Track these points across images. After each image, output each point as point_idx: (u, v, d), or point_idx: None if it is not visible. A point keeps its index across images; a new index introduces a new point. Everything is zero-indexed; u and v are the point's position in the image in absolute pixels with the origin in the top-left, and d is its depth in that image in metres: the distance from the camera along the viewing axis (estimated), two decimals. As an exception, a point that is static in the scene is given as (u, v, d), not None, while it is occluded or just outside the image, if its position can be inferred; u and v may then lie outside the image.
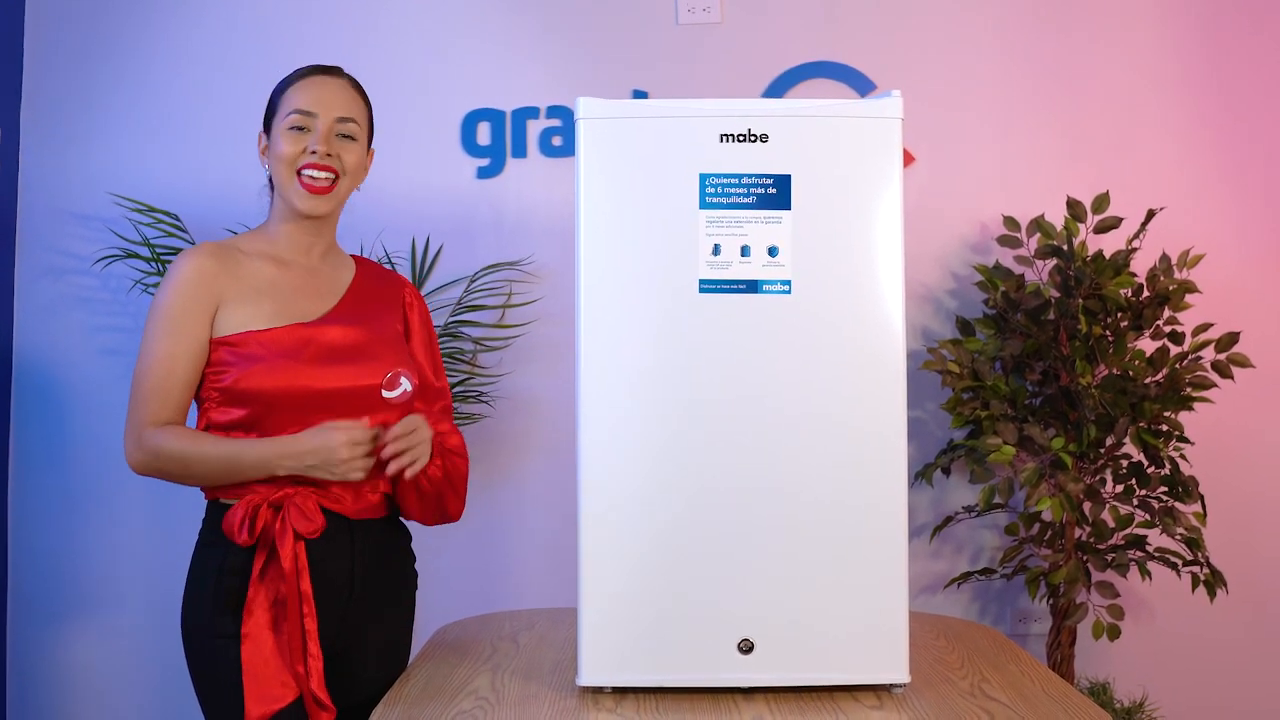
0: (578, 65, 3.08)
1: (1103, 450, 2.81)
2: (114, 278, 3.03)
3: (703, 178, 1.67)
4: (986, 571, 2.93)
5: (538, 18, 3.10)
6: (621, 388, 1.67)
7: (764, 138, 1.68)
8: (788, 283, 1.67)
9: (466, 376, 2.98)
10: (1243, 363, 2.79)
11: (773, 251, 1.67)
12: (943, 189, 3.04)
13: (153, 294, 2.91)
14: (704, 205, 1.67)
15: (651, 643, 1.66)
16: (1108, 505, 2.79)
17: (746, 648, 1.66)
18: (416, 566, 1.96)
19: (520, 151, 3.08)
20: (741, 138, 1.68)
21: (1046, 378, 2.84)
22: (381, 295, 1.90)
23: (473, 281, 3.00)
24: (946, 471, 2.98)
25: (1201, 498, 2.76)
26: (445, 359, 2.92)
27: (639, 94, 3.03)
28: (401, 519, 1.93)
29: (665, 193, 1.67)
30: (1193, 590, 2.80)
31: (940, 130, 3.04)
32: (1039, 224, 2.88)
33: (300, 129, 1.79)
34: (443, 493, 1.85)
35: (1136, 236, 2.84)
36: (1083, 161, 3.06)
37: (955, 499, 3.05)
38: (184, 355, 1.73)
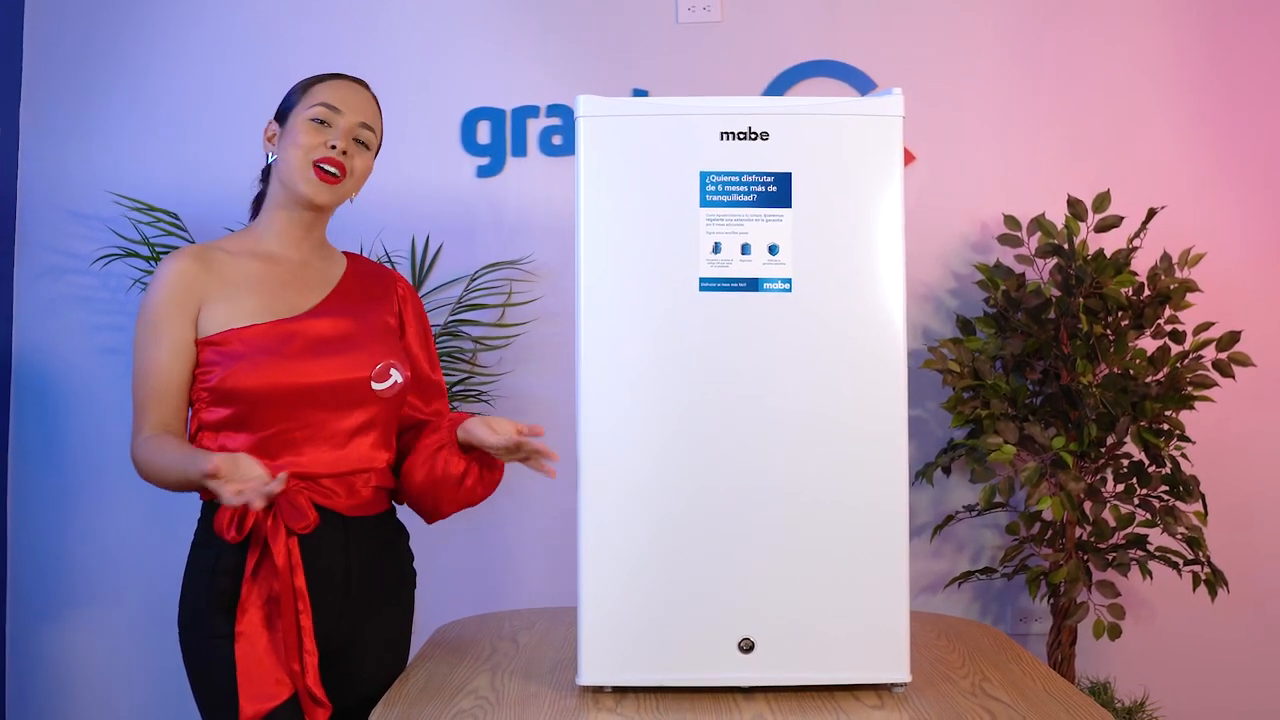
0: (578, 64, 3.08)
1: (1103, 449, 2.80)
2: (113, 277, 3.03)
3: (703, 176, 1.67)
4: (987, 571, 2.93)
5: (538, 16, 3.10)
6: (621, 386, 1.67)
7: (764, 136, 1.67)
8: (788, 281, 1.67)
9: (466, 376, 2.98)
10: (1244, 361, 2.78)
11: (773, 250, 1.67)
12: (943, 188, 3.04)
13: (152, 293, 2.92)
14: (704, 203, 1.67)
15: (652, 642, 1.66)
16: (1108, 504, 2.79)
17: (747, 647, 1.66)
18: (416, 565, 1.96)
19: (520, 150, 3.08)
20: (742, 136, 1.67)
21: (1047, 377, 2.84)
22: (373, 289, 1.90)
23: (472, 281, 3.00)
24: (947, 471, 2.98)
25: (1203, 497, 2.76)
26: (445, 358, 2.93)
27: (639, 93, 3.03)
28: (400, 515, 1.93)
29: (666, 191, 1.67)
30: (1194, 590, 2.80)
31: (941, 129, 3.03)
32: (1040, 223, 2.87)
33: (323, 122, 1.80)
34: (438, 494, 1.85)
35: (1137, 235, 2.84)
36: (1083, 160, 3.06)
37: (956, 498, 3.05)
38: (169, 359, 1.74)
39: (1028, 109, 3.07)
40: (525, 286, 3.05)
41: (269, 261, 1.82)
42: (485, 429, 1.77)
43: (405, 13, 3.10)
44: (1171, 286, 2.79)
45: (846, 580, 1.67)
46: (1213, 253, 2.93)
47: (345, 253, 1.95)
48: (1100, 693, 2.84)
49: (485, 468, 1.84)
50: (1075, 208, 2.86)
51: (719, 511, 1.66)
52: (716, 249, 1.67)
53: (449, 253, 3.05)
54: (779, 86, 3.06)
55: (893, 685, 1.69)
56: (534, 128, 3.08)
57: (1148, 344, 2.88)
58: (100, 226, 3.03)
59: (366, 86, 1.89)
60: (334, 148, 1.80)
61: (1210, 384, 2.76)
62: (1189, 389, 2.76)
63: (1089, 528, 2.79)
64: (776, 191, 1.67)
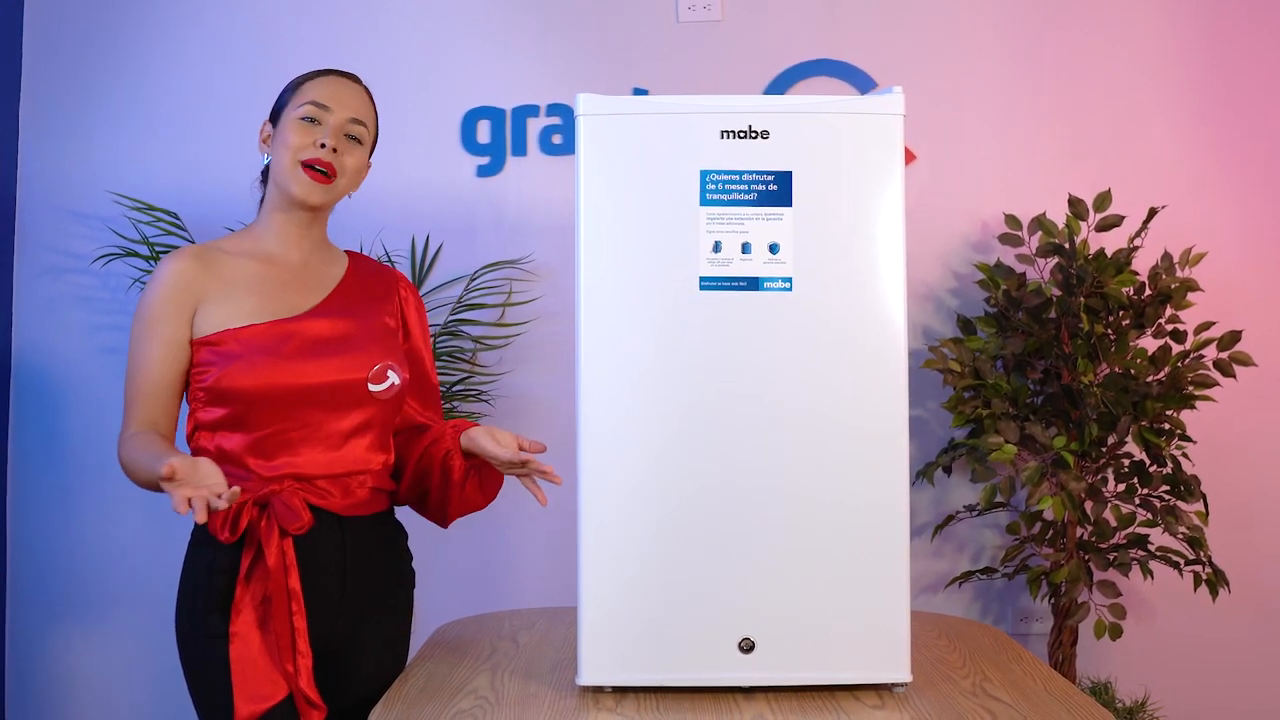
0: (578, 63, 3.08)
1: (1104, 449, 2.80)
2: (113, 276, 3.03)
3: (703, 174, 1.67)
4: (988, 571, 2.93)
5: (538, 16, 3.09)
6: (622, 386, 1.66)
7: (765, 134, 1.67)
8: (789, 280, 1.67)
9: (466, 375, 2.97)
10: (1245, 361, 2.78)
11: (774, 249, 1.67)
12: (944, 187, 3.03)
13: (151, 293, 2.92)
14: (705, 202, 1.67)
15: (652, 642, 1.65)
16: (1109, 504, 2.78)
17: (747, 647, 1.66)
18: (415, 565, 1.95)
19: (520, 150, 3.08)
20: (742, 134, 1.67)
21: (1048, 376, 2.84)
22: (374, 290, 1.90)
23: (472, 280, 3.00)
24: (948, 470, 2.97)
25: (1204, 496, 2.75)
26: (445, 358, 2.92)
27: (639, 92, 3.03)
28: (400, 515, 1.93)
29: (666, 189, 1.67)
30: (1195, 589, 2.79)
31: (941, 128, 3.03)
32: (1040, 222, 2.87)
33: (312, 121, 1.79)
34: (445, 497, 1.86)
35: (1138, 235, 2.84)
36: (1084, 159, 3.05)
37: (956, 498, 3.05)
38: (162, 359, 1.73)
39: (1028, 108, 3.07)
40: (525, 286, 3.05)
41: (268, 262, 1.81)
42: (490, 440, 1.77)
43: (405, 12, 3.09)
44: (1172, 286, 2.78)
45: (847, 580, 1.66)
46: (1213, 252, 2.93)
47: (348, 252, 1.94)
48: (1101, 693, 2.83)
49: (485, 477, 1.85)
50: (1076, 207, 2.86)
51: (719, 511, 1.66)
52: (717, 248, 1.67)
53: (449, 252, 3.05)
54: (779, 85, 3.06)
55: (893, 685, 1.69)
56: (534, 127, 3.07)
57: (1149, 343, 2.88)
58: (100, 226, 3.03)
59: (358, 80, 1.88)
60: (323, 146, 1.78)
61: (1211, 383, 2.76)
62: (1190, 388, 2.76)
63: (1090, 527, 2.79)
64: (777, 190, 1.67)
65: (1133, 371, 2.76)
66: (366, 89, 1.89)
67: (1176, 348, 2.83)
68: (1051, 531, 2.84)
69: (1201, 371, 2.76)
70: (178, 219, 2.91)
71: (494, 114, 3.08)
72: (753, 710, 1.60)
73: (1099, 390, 2.70)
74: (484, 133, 3.08)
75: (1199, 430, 2.90)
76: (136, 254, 2.89)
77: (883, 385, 1.67)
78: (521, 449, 1.75)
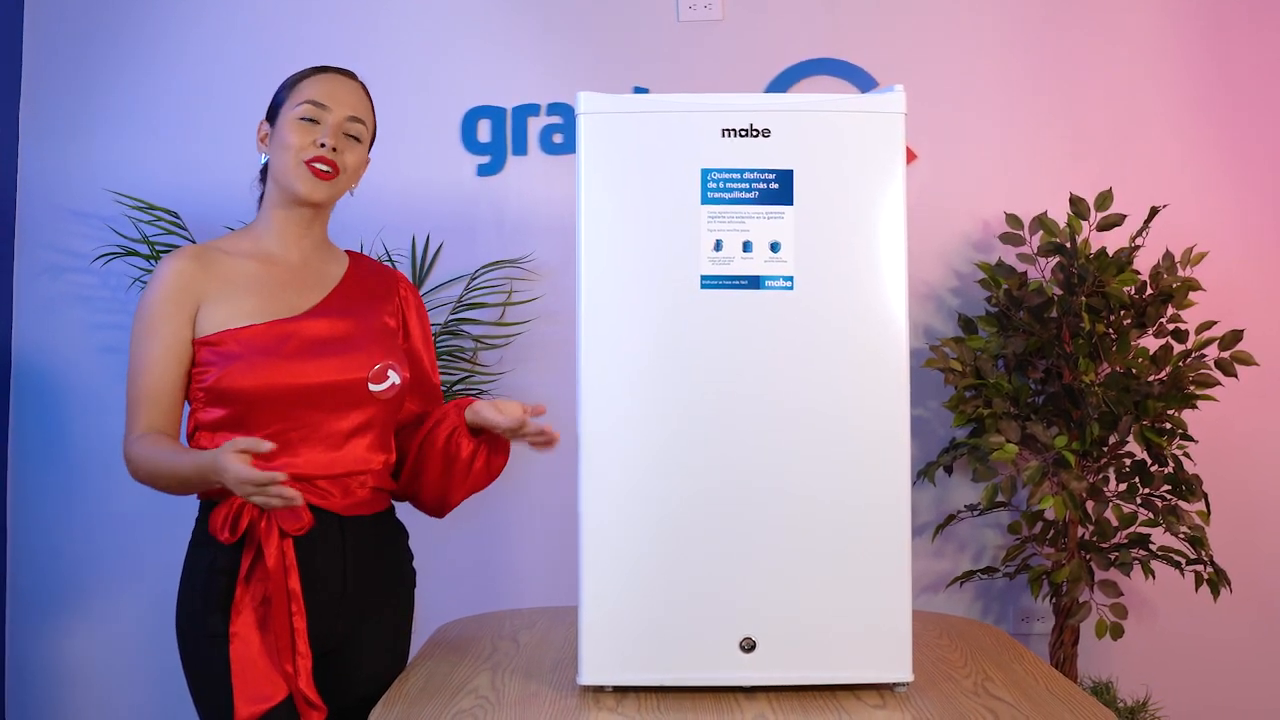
0: (578, 62, 3.07)
1: (1106, 448, 2.79)
2: (113, 275, 3.02)
3: (704, 173, 1.66)
4: (989, 570, 2.92)
5: (538, 15, 3.09)
6: (622, 385, 1.66)
7: (766, 133, 1.67)
8: (790, 279, 1.66)
9: (467, 375, 2.97)
10: (1246, 360, 2.78)
11: (775, 247, 1.66)
12: (945, 186, 3.03)
13: (152, 292, 2.92)
14: (706, 201, 1.67)
15: (653, 642, 1.65)
16: (1111, 504, 2.78)
17: (748, 646, 1.65)
18: (416, 565, 1.95)
19: (521, 149, 3.07)
20: (743, 133, 1.67)
21: (1049, 376, 2.83)
22: (374, 289, 1.89)
23: (473, 279, 2.99)
24: (949, 470, 2.97)
25: (1205, 496, 2.75)
26: (445, 357, 2.92)
27: (640, 91, 3.02)
28: (400, 515, 1.92)
29: (667, 188, 1.67)
30: (1196, 589, 2.79)
31: (942, 127, 3.03)
32: (1042, 221, 2.87)
33: (311, 120, 1.79)
34: (450, 480, 1.85)
35: (1140, 234, 2.83)
36: (1085, 159, 3.05)
37: (957, 498, 3.04)
38: (165, 359, 1.73)
39: (1029, 107, 3.07)
40: (526, 285, 3.04)
41: (268, 261, 1.81)
42: (493, 410, 1.77)
43: (405, 11, 3.09)
44: (1174, 285, 2.78)
45: (848, 579, 1.66)
46: (1215, 251, 2.92)
47: (348, 251, 1.94)
48: (1102, 693, 2.83)
49: (493, 450, 1.84)
50: (1077, 206, 2.85)
51: (720, 510, 1.66)
52: (718, 247, 1.66)
53: (449, 252, 3.05)
54: (780, 85, 3.05)
55: (895, 685, 1.68)
56: (535, 126, 3.07)
57: (1150, 343, 2.88)
58: (100, 225, 3.02)
59: (354, 77, 1.87)
60: (324, 146, 1.78)
61: (1213, 383, 2.76)
62: (1191, 388, 2.76)
63: (1091, 527, 2.78)
64: (778, 189, 1.67)
65: (1134, 371, 2.76)
66: (363, 85, 1.88)
67: (1178, 347, 2.83)
68: (1053, 531, 2.84)
69: (1203, 371, 2.75)
70: (178, 218, 2.91)
71: (494, 113, 3.08)
72: (754, 710, 1.60)
73: (1100, 390, 2.69)
74: (484, 132, 3.08)
75: (1200, 430, 2.89)
76: (136, 253, 2.88)
77: (884, 384, 1.67)
78: (525, 412, 1.76)
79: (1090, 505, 2.78)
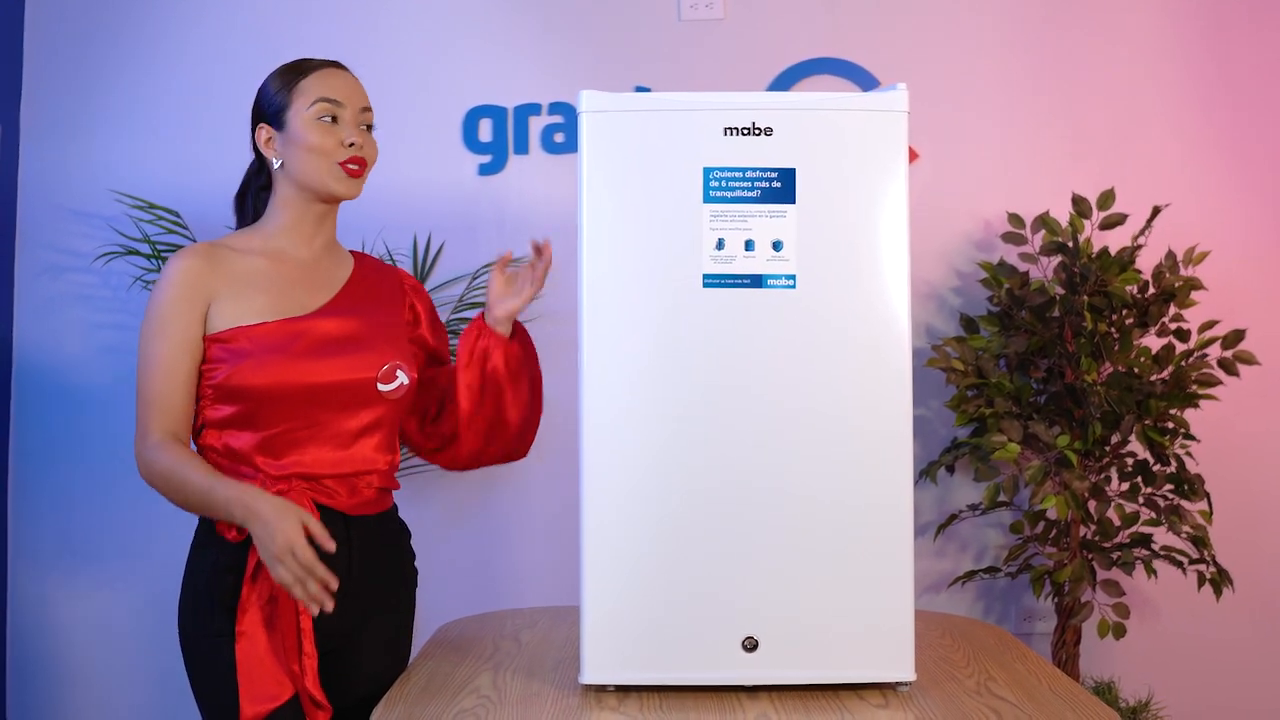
0: (580, 62, 3.07)
1: (1108, 448, 2.79)
2: (114, 275, 3.02)
3: (706, 171, 1.66)
4: (991, 570, 2.92)
5: (540, 14, 3.09)
6: (624, 384, 1.66)
7: (768, 131, 1.66)
8: (792, 277, 1.66)
9: (468, 374, 2.97)
10: (1249, 360, 2.77)
11: (777, 246, 1.66)
12: (947, 186, 3.03)
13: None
14: (708, 199, 1.66)
15: (655, 641, 1.65)
16: (1113, 503, 2.78)
17: (751, 646, 1.65)
18: (417, 564, 1.95)
19: (522, 148, 3.07)
20: (746, 131, 1.66)
21: (1051, 375, 2.83)
22: (381, 288, 1.89)
23: (474, 279, 2.99)
24: (951, 470, 2.97)
25: (1208, 495, 2.75)
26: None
27: (641, 90, 3.02)
28: (402, 515, 1.92)
29: (669, 187, 1.66)
30: (1199, 589, 2.79)
31: (944, 127, 3.03)
32: (1044, 220, 2.87)
33: (332, 119, 1.78)
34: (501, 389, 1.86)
35: (1142, 233, 2.83)
36: (1087, 158, 3.05)
37: (959, 497, 3.04)
38: (177, 357, 1.72)
39: (1031, 107, 3.07)
40: (527, 285, 3.04)
41: (278, 260, 1.81)
42: (505, 302, 1.86)
43: (406, 11, 3.09)
44: (1176, 284, 2.78)
45: (851, 579, 1.66)
46: (1217, 251, 2.92)
47: (352, 252, 1.94)
48: (1105, 692, 2.83)
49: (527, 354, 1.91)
50: (1080, 205, 2.85)
51: (722, 509, 1.65)
52: (720, 245, 1.66)
53: (451, 251, 3.05)
54: (782, 84, 3.05)
55: (897, 684, 1.68)
56: (536, 125, 3.07)
57: (1152, 342, 2.87)
58: (101, 224, 3.02)
59: (345, 68, 1.86)
60: (353, 145, 1.79)
61: (1215, 382, 2.76)
62: (1194, 387, 2.76)
63: (1093, 527, 2.78)
64: (780, 187, 1.66)
65: (1136, 370, 2.75)
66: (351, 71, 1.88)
67: (1180, 346, 2.83)
68: (1055, 531, 2.83)
69: (1205, 370, 2.75)
70: (179, 217, 2.90)
71: (496, 112, 3.07)
72: (756, 709, 1.60)
73: (1102, 389, 2.69)
74: (486, 131, 3.08)
75: (1203, 429, 2.89)
76: (138, 252, 2.88)
77: (886, 383, 1.67)
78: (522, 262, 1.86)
79: (1092, 505, 2.78)
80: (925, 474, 2.93)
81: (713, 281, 1.66)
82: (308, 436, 1.73)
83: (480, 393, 1.85)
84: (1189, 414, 2.85)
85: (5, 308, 3.04)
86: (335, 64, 1.85)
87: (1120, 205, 2.89)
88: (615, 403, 1.66)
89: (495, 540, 3.06)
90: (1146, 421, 2.72)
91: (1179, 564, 2.77)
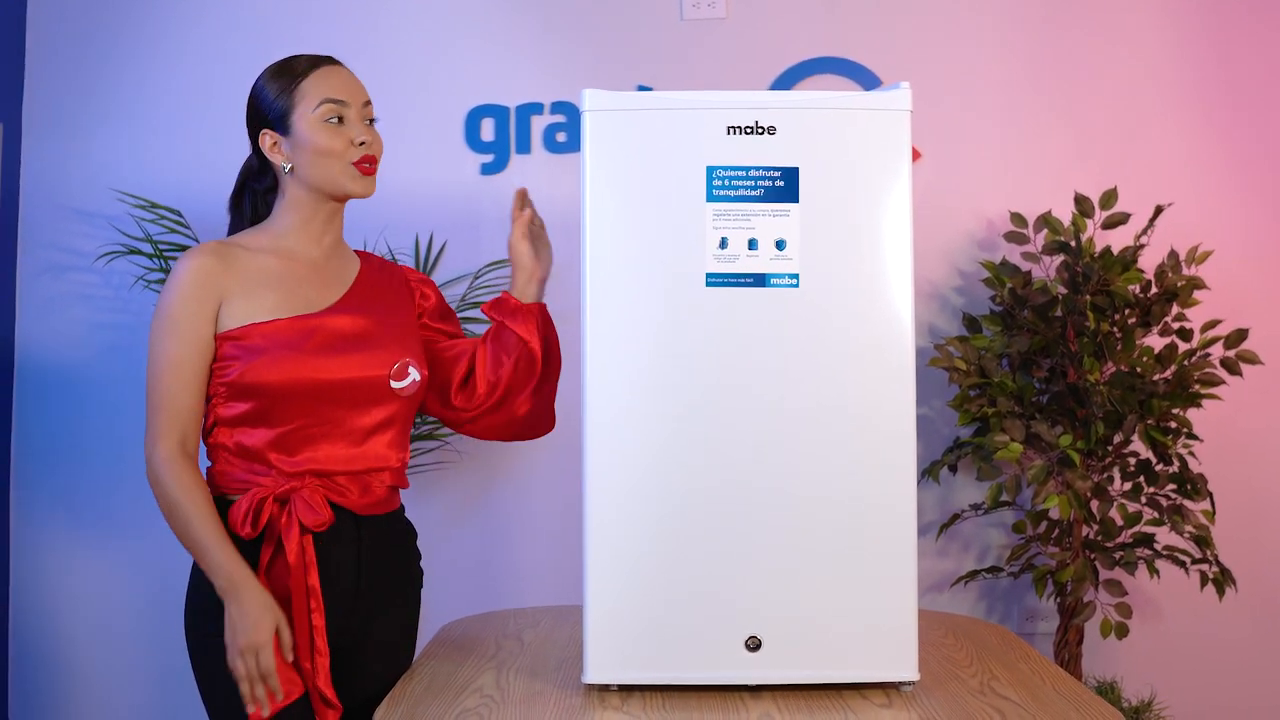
0: (582, 61, 3.07)
1: (1111, 447, 2.79)
2: (116, 274, 3.02)
3: (709, 170, 1.66)
4: (993, 570, 2.92)
5: (541, 14, 3.09)
6: (627, 384, 1.66)
7: (771, 130, 1.66)
8: (795, 276, 1.66)
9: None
10: (1251, 359, 2.77)
11: (780, 245, 1.66)
12: (949, 185, 3.03)
13: (155, 291, 2.91)
14: (711, 198, 1.66)
15: (658, 640, 1.65)
16: (1116, 503, 2.77)
17: (754, 645, 1.65)
18: (421, 564, 1.95)
19: (524, 148, 3.07)
20: (749, 130, 1.66)
21: (1054, 374, 2.83)
22: (389, 286, 1.90)
23: (477, 278, 2.99)
24: (953, 469, 2.96)
25: (1210, 495, 2.74)
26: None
27: (643, 89, 3.02)
28: (409, 515, 1.92)
29: (671, 186, 1.66)
30: (1201, 588, 2.78)
31: (946, 126, 3.02)
32: (1046, 220, 2.86)
33: (339, 120, 1.78)
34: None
35: (1144, 233, 2.83)
36: (1090, 157, 3.04)
37: (962, 497, 3.04)
38: (189, 356, 1.71)
39: (1033, 106, 3.06)
40: (529, 284, 3.03)
41: (288, 258, 1.80)
42: (527, 273, 1.91)
43: (408, 10, 3.09)
44: (1179, 284, 2.78)
45: (854, 578, 1.65)
46: (1219, 250, 2.92)
47: (356, 251, 1.94)
48: (1107, 692, 2.83)
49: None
50: (1082, 205, 2.85)
51: (725, 509, 1.65)
52: (723, 244, 1.66)
53: (453, 250, 3.05)
54: (784, 83, 3.05)
55: (901, 684, 1.68)
56: (538, 125, 3.07)
57: (1155, 341, 2.87)
58: (103, 224, 3.02)
59: (340, 63, 1.84)
60: (363, 144, 1.78)
61: (1218, 382, 2.75)
62: (1196, 387, 2.75)
63: (1096, 526, 2.78)
64: (783, 186, 1.66)
65: (1139, 370, 2.75)
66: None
67: (1183, 346, 2.82)
68: (1057, 530, 2.83)
69: (1208, 370, 2.75)
70: (181, 216, 2.90)
71: (498, 112, 3.07)
72: (759, 709, 1.60)
73: (1105, 388, 2.69)
74: (488, 130, 3.08)
75: (1205, 429, 2.89)
76: (140, 252, 2.88)
77: (890, 382, 1.66)
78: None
79: (1095, 504, 2.78)
80: (928, 473, 2.92)
81: (716, 280, 1.66)
82: (321, 434, 1.73)
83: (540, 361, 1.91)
84: (1191, 413, 2.85)
85: (7, 307, 3.04)
86: (330, 60, 1.83)
87: (1122, 204, 2.88)
88: (618, 402, 1.65)
89: (497, 539, 3.06)
90: (1149, 421, 2.72)
91: (1181, 564, 2.77)
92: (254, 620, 1.63)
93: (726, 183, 1.66)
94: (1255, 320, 2.90)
